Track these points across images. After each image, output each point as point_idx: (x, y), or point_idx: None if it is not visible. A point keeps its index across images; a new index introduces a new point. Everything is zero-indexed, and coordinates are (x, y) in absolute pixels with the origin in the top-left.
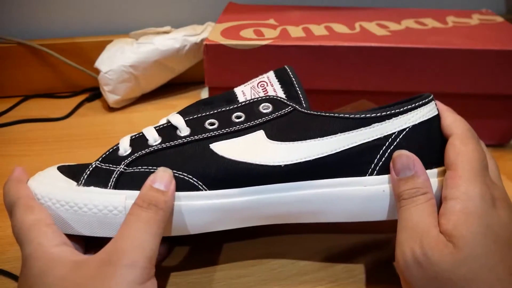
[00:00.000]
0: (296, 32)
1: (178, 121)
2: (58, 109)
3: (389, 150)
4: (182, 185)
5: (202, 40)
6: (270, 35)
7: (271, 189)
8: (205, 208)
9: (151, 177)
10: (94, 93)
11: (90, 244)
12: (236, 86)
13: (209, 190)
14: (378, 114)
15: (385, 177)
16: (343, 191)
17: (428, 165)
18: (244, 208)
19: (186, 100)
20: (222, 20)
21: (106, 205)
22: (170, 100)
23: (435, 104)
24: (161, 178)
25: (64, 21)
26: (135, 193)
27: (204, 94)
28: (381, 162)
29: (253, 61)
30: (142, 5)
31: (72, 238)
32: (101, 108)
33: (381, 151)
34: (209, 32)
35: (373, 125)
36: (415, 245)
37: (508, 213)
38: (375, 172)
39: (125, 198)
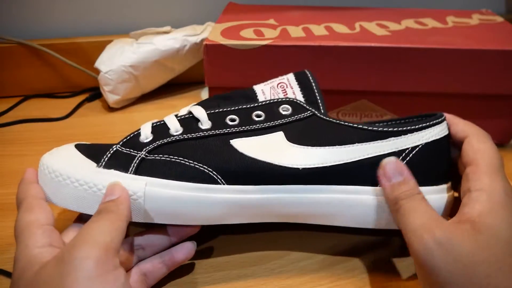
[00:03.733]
0: (296, 32)
1: (201, 113)
2: (58, 109)
3: None
4: (201, 177)
5: (202, 40)
6: (270, 35)
7: (287, 190)
8: (222, 202)
9: (103, 197)
10: (94, 93)
11: None
12: (236, 86)
13: (227, 184)
14: (395, 129)
15: None
16: (355, 198)
17: (437, 181)
18: (259, 205)
19: (186, 100)
20: (222, 20)
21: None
22: (170, 100)
23: (446, 124)
24: (110, 191)
25: (64, 21)
26: (156, 180)
27: (204, 94)
28: None
29: (253, 61)
30: (142, 5)
31: None
32: (101, 108)
33: None
34: (209, 32)
35: (390, 138)
36: (434, 228)
37: None
38: None
39: (145, 184)
